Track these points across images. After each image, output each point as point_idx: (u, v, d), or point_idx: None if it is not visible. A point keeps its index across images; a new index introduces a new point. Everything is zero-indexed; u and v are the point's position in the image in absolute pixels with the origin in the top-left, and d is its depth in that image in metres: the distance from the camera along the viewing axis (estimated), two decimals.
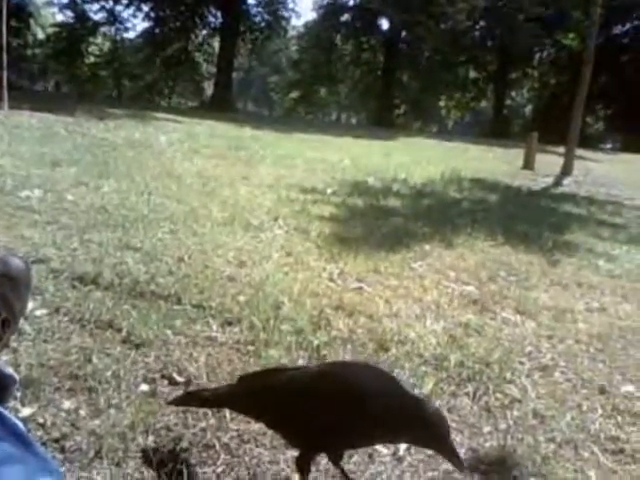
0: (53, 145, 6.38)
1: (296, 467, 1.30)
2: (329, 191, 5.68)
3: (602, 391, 2.01)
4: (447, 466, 1.49)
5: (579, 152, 11.47)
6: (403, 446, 1.55)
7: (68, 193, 4.08)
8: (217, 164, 6.58)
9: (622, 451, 1.67)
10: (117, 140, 7.46)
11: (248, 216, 4.07)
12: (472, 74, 33.94)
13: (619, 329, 2.64)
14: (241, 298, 2.49)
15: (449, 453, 1.17)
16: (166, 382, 1.74)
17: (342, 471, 1.36)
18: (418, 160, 9.88)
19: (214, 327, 2.18)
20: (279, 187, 5.53)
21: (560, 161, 10.40)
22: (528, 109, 34.06)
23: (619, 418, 1.84)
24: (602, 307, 2.96)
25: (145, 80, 32.16)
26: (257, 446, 1.48)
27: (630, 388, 2.05)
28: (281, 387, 1.30)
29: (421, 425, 1.16)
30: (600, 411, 1.86)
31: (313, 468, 1.34)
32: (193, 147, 7.69)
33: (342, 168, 7.72)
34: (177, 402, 1.49)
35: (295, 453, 1.33)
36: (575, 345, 2.41)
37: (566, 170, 9.89)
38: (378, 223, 4.42)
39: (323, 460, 1.42)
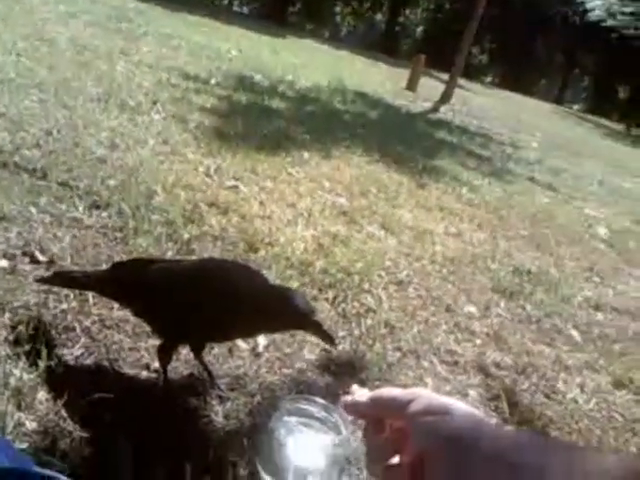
0: None
1: (157, 355, 1.33)
2: (213, 81, 5.49)
3: (448, 309, 2.20)
4: (301, 364, 1.59)
5: (461, 82, 11.83)
6: (262, 342, 1.62)
7: None
8: (95, 33, 6.09)
9: (456, 363, 1.85)
10: None
11: (125, 96, 3.85)
12: None
13: (471, 255, 2.86)
14: (111, 182, 2.40)
15: (320, 331, 1.24)
16: (27, 260, 1.67)
17: (202, 363, 1.41)
18: (306, 64, 9.72)
19: (80, 209, 2.10)
20: (160, 69, 5.25)
21: (441, 87, 10.67)
22: (419, 31, 34.23)
23: (458, 335, 2.03)
24: (459, 233, 3.18)
25: None
26: (118, 332, 1.48)
27: (472, 309, 2.26)
28: (153, 277, 1.30)
29: (290, 310, 1.20)
30: (444, 327, 2.05)
31: (174, 358, 1.37)
32: (69, 10, 7.01)
33: (229, 59, 7.44)
34: (45, 280, 1.46)
35: (157, 342, 1.36)
36: (430, 265, 2.59)
37: (445, 97, 10.16)
38: (260, 123, 4.36)
39: (184, 351, 1.46)
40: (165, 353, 1.32)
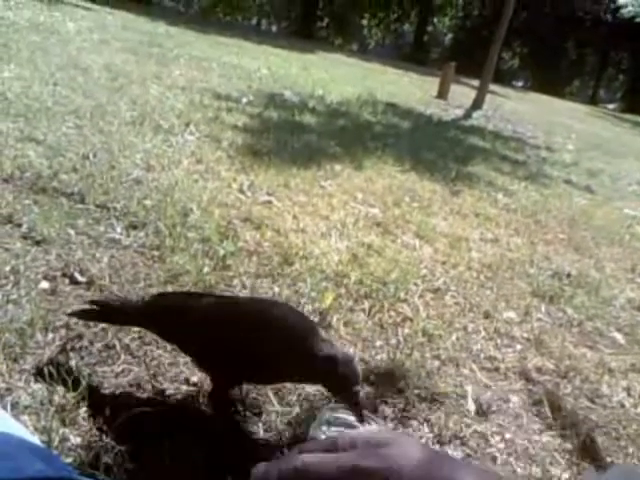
0: None
1: (211, 404, 1.29)
2: (244, 100, 5.56)
3: (486, 315, 2.17)
4: None
5: (492, 87, 11.73)
6: None
7: None
8: (128, 59, 6.24)
9: (497, 369, 1.83)
10: (19, 21, 6.86)
11: (158, 118, 3.94)
12: None
13: (509, 260, 2.83)
14: (147, 202, 2.45)
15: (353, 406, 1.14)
16: (67, 281, 1.71)
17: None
18: (336, 78, 9.79)
19: (118, 229, 2.15)
20: (192, 91, 5.35)
21: (473, 94, 10.60)
22: (448, 39, 34.17)
23: (498, 341, 2.00)
24: (495, 238, 3.14)
25: None
26: (157, 348, 1.51)
27: (511, 314, 2.23)
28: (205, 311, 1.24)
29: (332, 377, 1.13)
30: (483, 333, 2.02)
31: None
32: (103, 38, 7.22)
33: (259, 77, 7.53)
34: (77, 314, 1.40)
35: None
36: (467, 272, 2.56)
37: (477, 103, 10.09)
38: (292, 138, 4.40)
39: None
40: (220, 397, 1.28)
